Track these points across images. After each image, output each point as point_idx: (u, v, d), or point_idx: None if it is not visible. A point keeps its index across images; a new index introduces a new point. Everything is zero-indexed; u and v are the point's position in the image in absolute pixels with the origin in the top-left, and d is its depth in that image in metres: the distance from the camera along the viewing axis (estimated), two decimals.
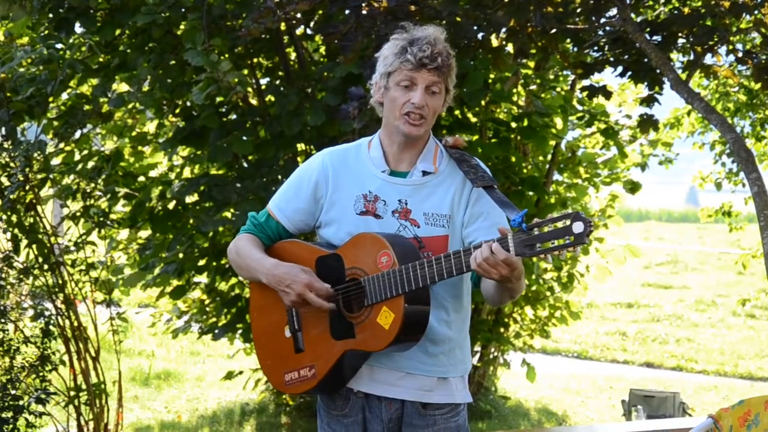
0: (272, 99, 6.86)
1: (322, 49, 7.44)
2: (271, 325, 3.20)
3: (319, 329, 3.09)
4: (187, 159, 7.60)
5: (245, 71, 6.99)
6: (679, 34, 5.87)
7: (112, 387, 6.40)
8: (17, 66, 6.29)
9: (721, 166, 11.47)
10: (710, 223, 14.69)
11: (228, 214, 6.60)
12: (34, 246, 5.90)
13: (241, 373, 8.50)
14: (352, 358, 3.05)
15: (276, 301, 3.14)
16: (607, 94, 6.32)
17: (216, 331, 7.69)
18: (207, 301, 8.09)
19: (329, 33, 5.63)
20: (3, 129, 5.95)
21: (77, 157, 6.97)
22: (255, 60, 7.16)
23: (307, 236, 3.39)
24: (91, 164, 6.89)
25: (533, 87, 7.87)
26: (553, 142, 8.16)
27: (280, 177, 6.44)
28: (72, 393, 5.95)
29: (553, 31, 5.80)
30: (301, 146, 6.93)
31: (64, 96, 6.94)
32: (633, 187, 8.96)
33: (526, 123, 7.52)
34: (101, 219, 6.16)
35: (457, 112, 7.18)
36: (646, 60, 5.75)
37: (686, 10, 5.99)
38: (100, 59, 6.66)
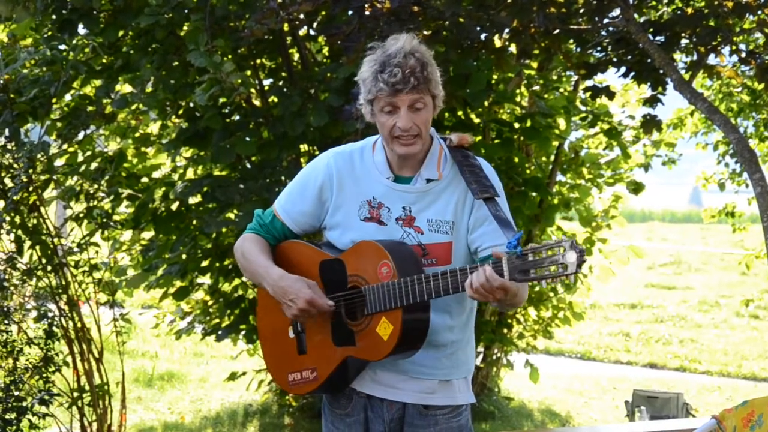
0: (275, 100, 6.86)
1: (325, 50, 7.44)
2: (277, 324, 3.21)
3: (322, 334, 3.10)
4: (190, 160, 7.60)
5: (248, 72, 7.00)
6: (683, 35, 5.86)
7: (116, 388, 6.40)
8: (21, 67, 6.29)
9: (724, 167, 11.47)
10: (713, 224, 14.67)
11: (231, 215, 6.60)
12: (37, 247, 5.90)
13: (244, 374, 8.50)
14: (353, 363, 3.06)
15: None
16: (610, 95, 6.31)
17: (219, 332, 7.69)
18: (210, 302, 8.09)
19: (332, 34, 5.64)
20: (6, 130, 5.95)
21: (80, 158, 6.98)
22: (258, 61, 7.16)
23: (310, 236, 3.39)
24: (94, 165, 6.89)
25: (536, 88, 7.87)
26: (556, 143, 8.16)
27: (283, 178, 6.44)
28: (75, 394, 5.95)
29: (556, 31, 5.80)
30: (304, 147, 6.93)
31: (68, 97, 6.95)
32: (636, 188, 8.96)
33: (529, 124, 7.52)
34: (104, 220, 6.16)
35: (460, 113, 7.18)
36: (649, 60, 5.74)
37: (689, 10, 5.98)
38: (104, 60, 6.66)
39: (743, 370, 11.95)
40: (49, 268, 5.93)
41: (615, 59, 6.05)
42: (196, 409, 8.81)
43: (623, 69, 6.01)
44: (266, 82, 7.33)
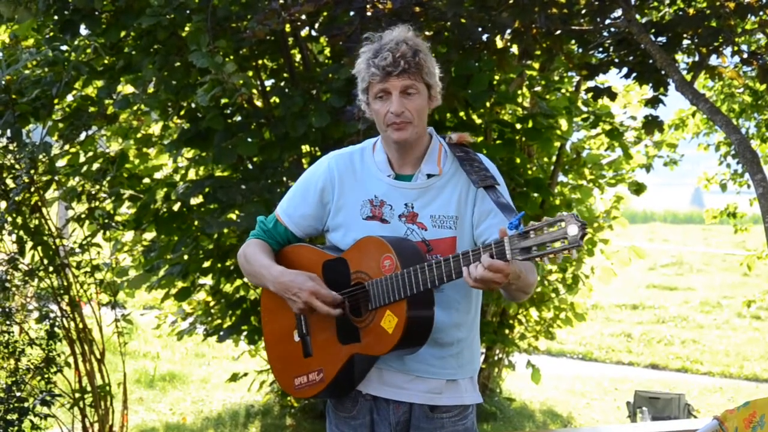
0: (277, 100, 6.86)
1: (327, 51, 7.44)
2: (281, 328, 3.21)
3: (327, 333, 3.10)
4: (192, 161, 7.60)
5: (250, 73, 7.00)
6: (684, 35, 5.86)
7: (117, 389, 6.40)
8: (22, 68, 6.29)
9: (726, 168, 11.48)
10: (715, 225, 14.65)
11: (233, 216, 6.60)
12: (39, 248, 5.90)
13: (246, 374, 8.50)
14: (359, 362, 3.05)
15: (285, 305, 3.14)
16: (612, 96, 6.31)
17: (221, 332, 7.69)
18: (212, 303, 8.09)
19: (334, 34, 5.64)
20: (8, 131, 5.95)
21: (82, 158, 6.98)
22: (260, 62, 7.16)
23: (314, 239, 3.39)
24: (96, 166, 6.89)
25: (538, 88, 7.87)
26: (557, 144, 8.16)
27: (285, 179, 6.44)
28: (77, 395, 5.95)
29: (558, 32, 5.79)
30: (305, 148, 6.92)
31: (69, 98, 6.95)
32: (638, 189, 8.96)
33: (530, 124, 7.52)
34: (106, 221, 6.16)
35: (462, 114, 7.17)
36: (651, 61, 5.74)
37: (691, 11, 5.98)
38: (105, 61, 6.66)
39: (745, 371, 11.95)
40: (50, 268, 5.93)
41: (617, 60, 6.04)
42: (197, 409, 8.81)
43: (625, 70, 6.01)
44: (268, 83, 7.33)
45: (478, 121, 7.43)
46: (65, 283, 5.97)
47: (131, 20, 6.36)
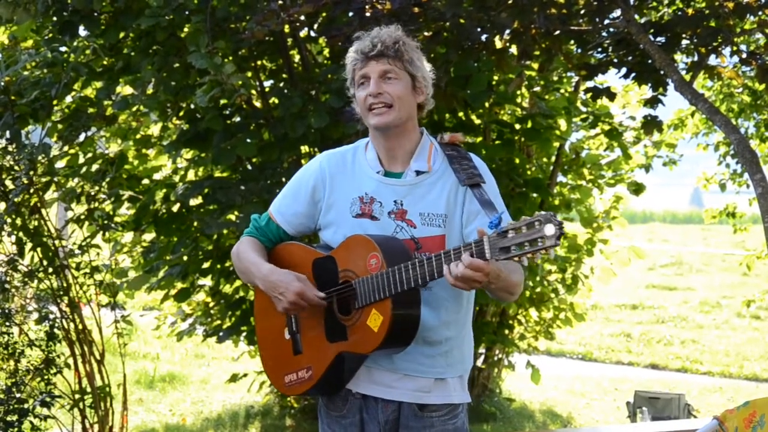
0: (276, 101, 6.86)
1: (326, 52, 7.44)
2: (273, 327, 3.23)
3: (316, 331, 3.12)
4: (191, 161, 7.60)
5: (249, 74, 7.00)
6: (683, 36, 5.86)
7: (117, 390, 6.39)
8: (21, 69, 6.29)
9: (725, 168, 11.48)
10: (715, 225, 14.66)
11: (232, 217, 6.60)
12: (38, 249, 5.90)
13: (245, 375, 8.50)
14: (348, 360, 3.06)
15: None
16: (611, 96, 6.31)
17: (220, 333, 7.70)
18: (211, 304, 8.09)
19: (333, 35, 5.64)
20: (7, 132, 5.94)
21: (81, 160, 6.98)
22: (259, 62, 7.16)
23: (309, 238, 3.40)
24: (95, 167, 6.89)
25: (537, 88, 7.88)
26: (557, 144, 8.16)
27: (284, 179, 6.43)
28: (77, 396, 5.95)
29: (557, 32, 5.79)
30: (305, 148, 6.93)
31: (68, 99, 6.94)
32: (637, 189, 8.96)
33: (530, 124, 7.52)
34: (105, 222, 6.16)
35: (461, 114, 7.18)
36: (650, 61, 5.74)
37: (690, 11, 5.98)
38: (104, 62, 6.66)
39: (745, 370, 11.95)
40: (50, 270, 5.93)
41: (616, 60, 6.04)
42: (197, 410, 8.81)
43: (624, 70, 6.01)
44: (267, 84, 7.33)
45: (477, 121, 7.43)
46: (65, 284, 5.96)
47: (130, 21, 6.36)
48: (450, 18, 5.40)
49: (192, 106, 6.79)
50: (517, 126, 7.67)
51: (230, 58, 6.53)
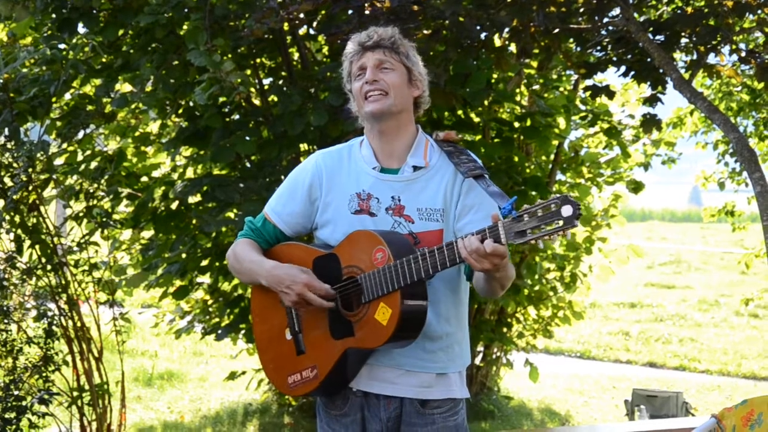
0: (275, 99, 6.86)
1: (325, 49, 7.43)
2: (273, 328, 3.21)
3: (319, 330, 3.10)
4: (190, 159, 7.60)
5: (248, 71, 7.00)
6: (682, 34, 5.86)
7: (115, 387, 6.40)
8: (20, 66, 6.29)
9: (724, 166, 11.49)
10: (713, 223, 14.71)
11: (231, 215, 6.60)
12: (37, 246, 5.90)
13: (244, 373, 8.50)
14: (352, 356, 3.05)
15: (276, 304, 3.15)
16: (610, 94, 6.31)
17: (219, 331, 7.69)
18: (210, 302, 8.09)
19: (332, 33, 5.64)
20: (6, 129, 5.94)
21: (80, 157, 6.97)
22: (258, 60, 7.16)
23: (308, 237, 3.39)
24: (94, 164, 6.89)
25: (536, 87, 7.87)
26: (556, 142, 8.16)
27: (282, 177, 6.40)
28: (75, 393, 5.95)
29: (556, 30, 5.79)
30: (304, 146, 6.93)
31: (67, 96, 6.94)
32: (636, 187, 8.96)
33: (529, 123, 7.52)
34: (104, 219, 6.15)
35: (460, 112, 7.18)
36: (649, 60, 5.74)
37: (689, 9, 5.98)
38: (103, 59, 6.66)
39: (743, 369, 11.96)
40: (48, 267, 5.93)
41: (615, 58, 6.05)
42: (195, 408, 8.81)
43: (623, 68, 6.01)
44: (266, 82, 7.33)
45: (476, 119, 7.43)
46: (63, 282, 5.96)
47: (129, 19, 6.36)
48: (449, 16, 5.40)
49: (191, 104, 6.79)
50: (516, 124, 7.66)
51: (229, 55, 6.53)
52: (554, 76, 8.08)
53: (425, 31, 5.75)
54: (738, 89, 10.00)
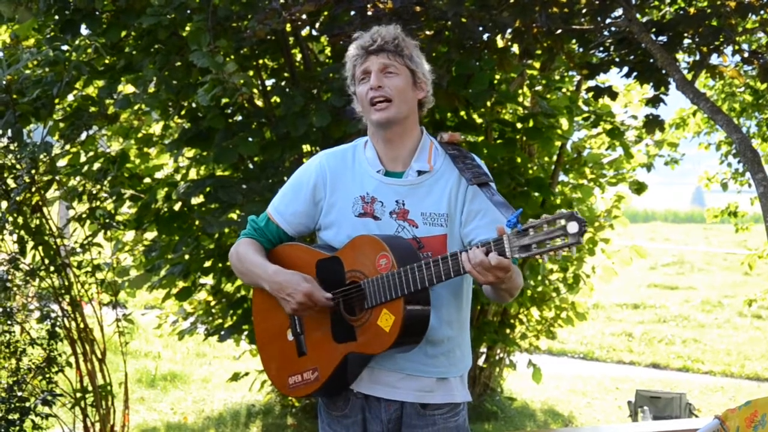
0: (278, 100, 6.86)
1: (328, 50, 7.44)
2: (274, 328, 3.21)
3: (322, 332, 3.09)
4: (193, 160, 7.60)
5: (251, 72, 7.00)
6: (685, 35, 5.86)
7: (119, 388, 6.40)
8: (23, 68, 6.29)
9: (727, 167, 11.49)
10: (716, 224, 14.71)
11: (234, 216, 6.60)
12: (40, 248, 5.90)
13: (247, 374, 8.50)
14: (354, 360, 3.05)
15: (278, 304, 3.14)
16: (613, 95, 6.31)
17: (222, 332, 7.70)
18: (213, 303, 8.09)
19: (335, 34, 5.64)
20: (9, 131, 5.95)
21: (83, 158, 6.98)
22: (260, 61, 7.16)
23: (310, 238, 3.39)
24: (97, 166, 6.89)
25: (539, 88, 7.87)
26: (558, 143, 8.16)
27: (285, 178, 6.39)
28: (78, 395, 5.95)
29: (559, 31, 5.79)
30: (306, 147, 6.93)
31: (70, 98, 6.95)
32: (639, 188, 8.95)
33: (531, 124, 7.51)
34: (107, 221, 6.16)
35: (462, 113, 7.17)
36: (651, 60, 5.74)
37: (692, 10, 5.98)
38: (106, 61, 6.66)
39: (746, 370, 11.95)
40: (51, 268, 5.93)
41: (617, 59, 6.05)
42: (198, 409, 8.81)
43: (626, 69, 6.01)
44: (269, 83, 7.33)
45: (479, 120, 7.43)
46: (66, 283, 5.97)
47: (132, 20, 6.36)
48: (451, 17, 5.40)
49: (194, 105, 6.79)
50: (519, 125, 7.66)
51: (232, 57, 6.53)
52: (557, 77, 8.07)
53: (428, 32, 5.75)
54: (741, 90, 9.99)
